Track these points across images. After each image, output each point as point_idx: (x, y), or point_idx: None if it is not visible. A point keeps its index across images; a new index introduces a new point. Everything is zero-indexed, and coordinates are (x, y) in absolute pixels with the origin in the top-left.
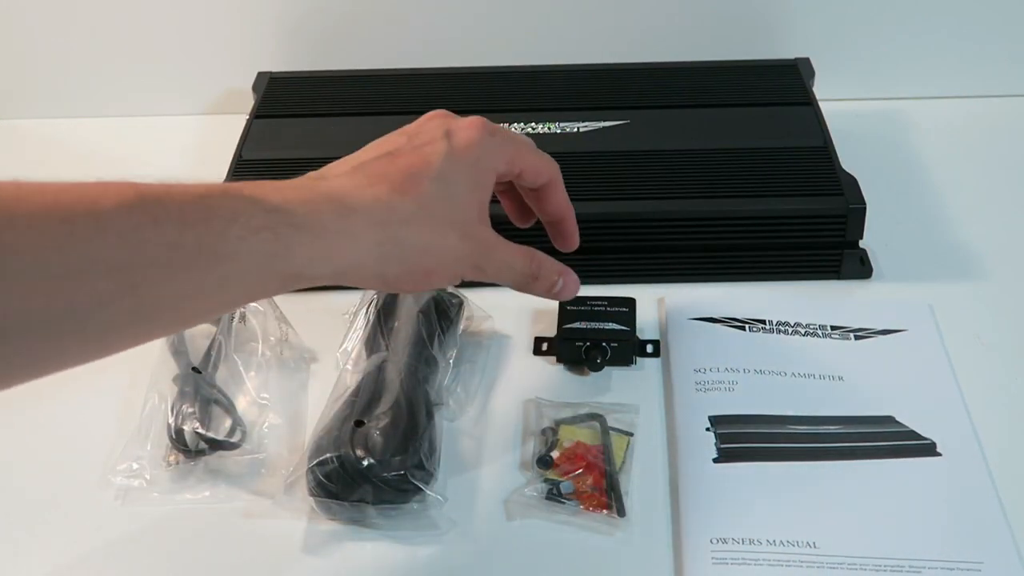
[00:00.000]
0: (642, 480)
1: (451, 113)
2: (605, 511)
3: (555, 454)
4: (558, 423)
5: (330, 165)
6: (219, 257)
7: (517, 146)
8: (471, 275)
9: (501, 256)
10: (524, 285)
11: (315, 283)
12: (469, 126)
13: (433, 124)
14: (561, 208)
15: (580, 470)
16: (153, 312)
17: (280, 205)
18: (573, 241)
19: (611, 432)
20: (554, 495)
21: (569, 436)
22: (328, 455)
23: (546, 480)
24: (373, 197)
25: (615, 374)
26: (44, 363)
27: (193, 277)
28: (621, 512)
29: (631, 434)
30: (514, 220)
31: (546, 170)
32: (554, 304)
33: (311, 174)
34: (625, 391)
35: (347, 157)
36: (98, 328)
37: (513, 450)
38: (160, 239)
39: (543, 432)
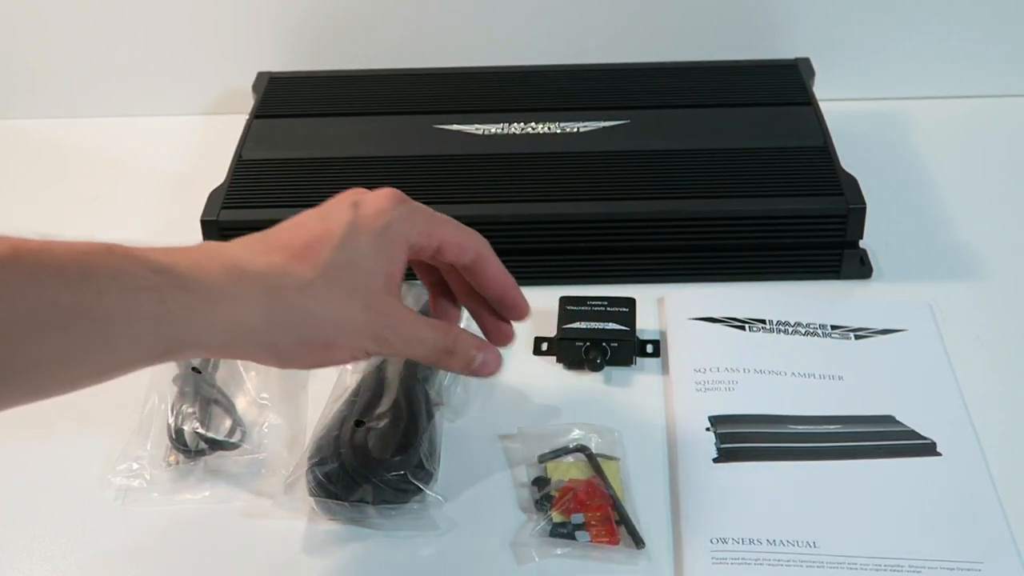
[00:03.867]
0: (642, 480)
1: (364, 189)
2: (621, 543)
3: (553, 495)
4: (542, 461)
5: (235, 240)
6: (98, 318)
7: (432, 217)
8: (376, 348)
9: (410, 329)
10: (438, 361)
11: (203, 352)
12: (378, 196)
13: (342, 196)
14: (499, 282)
15: (586, 511)
16: (29, 373)
17: (167, 265)
18: (522, 311)
19: (601, 462)
20: (561, 532)
21: (559, 475)
22: (328, 455)
23: (553, 523)
24: (268, 263)
25: (615, 374)
26: None
27: (71, 338)
28: (639, 543)
29: (617, 459)
30: (466, 307)
31: (470, 245)
32: (554, 304)
33: (213, 243)
34: (624, 392)
35: (255, 233)
36: None
37: (512, 451)
38: (35, 297)
39: (533, 482)
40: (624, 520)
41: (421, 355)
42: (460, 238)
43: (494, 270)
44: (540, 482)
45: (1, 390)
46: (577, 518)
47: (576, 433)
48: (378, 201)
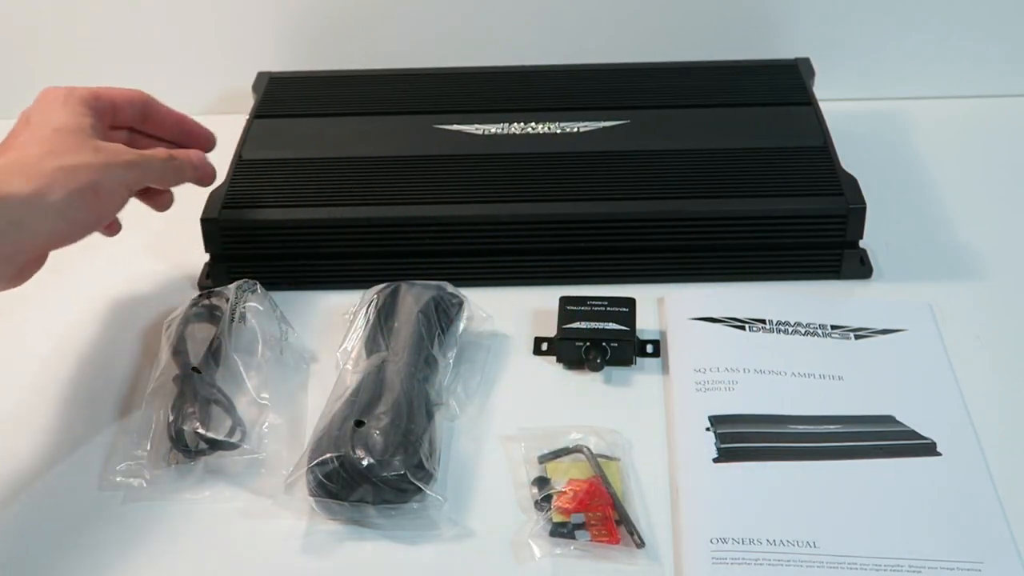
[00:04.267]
0: (642, 480)
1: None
2: (621, 542)
3: (553, 495)
4: (542, 461)
5: None
6: None
7: (94, 87)
8: (131, 178)
9: (133, 154)
10: (170, 173)
11: None
12: (37, 102)
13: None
14: (172, 117)
15: (586, 511)
16: None
17: None
18: (206, 135)
19: (601, 462)
20: (561, 532)
21: (560, 475)
22: (328, 455)
23: (553, 523)
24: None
25: (615, 374)
26: None
27: None
28: (639, 543)
29: (618, 459)
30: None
31: (136, 94)
32: (554, 304)
33: None
34: (624, 392)
35: None
36: None
37: (512, 451)
38: None
39: (533, 482)
40: (624, 520)
41: (158, 172)
42: (125, 91)
43: (164, 110)
44: (540, 482)
45: None
46: (577, 518)
47: (576, 434)
48: (40, 95)
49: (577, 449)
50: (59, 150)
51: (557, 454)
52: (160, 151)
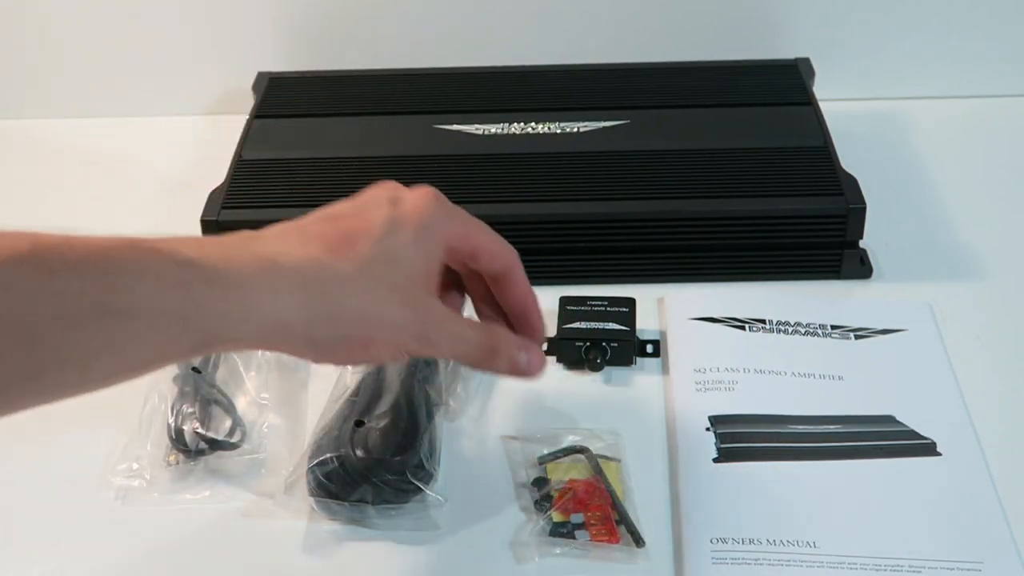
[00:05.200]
0: (642, 480)
1: (400, 184)
2: (621, 542)
3: (553, 495)
4: (542, 462)
5: (267, 228)
6: (125, 314)
7: (470, 222)
8: (417, 348)
9: (452, 327)
10: (482, 360)
11: (237, 346)
12: (418, 194)
13: (379, 191)
14: (522, 299)
15: (586, 511)
16: (53, 371)
17: (195, 259)
18: (538, 334)
19: (600, 461)
20: (561, 531)
21: (559, 475)
22: (328, 455)
23: (553, 523)
24: (304, 255)
25: (615, 374)
26: None
27: (97, 335)
28: (639, 542)
29: (618, 460)
30: (479, 310)
31: (503, 254)
32: (554, 304)
33: (244, 232)
34: (624, 392)
35: (287, 222)
36: None
37: (512, 452)
38: (58, 292)
39: (533, 483)
40: (624, 519)
41: (464, 353)
42: (494, 246)
43: (521, 286)
44: (540, 482)
45: (29, 387)
46: (577, 518)
47: (576, 436)
48: (418, 199)
49: (577, 450)
50: (377, 288)
51: (557, 455)
52: (484, 338)
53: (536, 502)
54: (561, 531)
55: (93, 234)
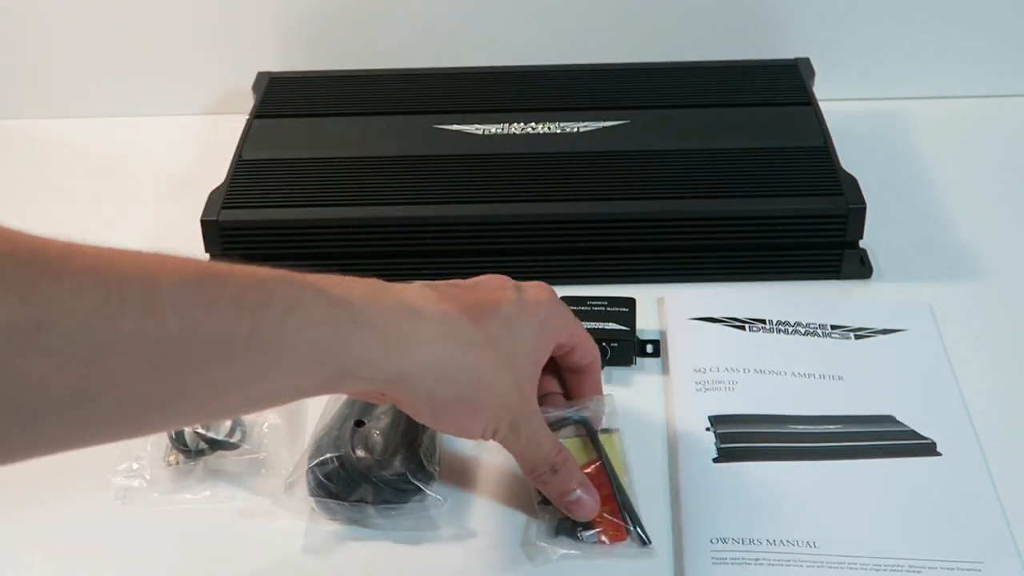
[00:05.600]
0: (642, 480)
1: (511, 279)
2: (627, 539)
3: None
4: None
5: (405, 284)
6: (272, 346)
7: (573, 318)
8: (504, 433)
9: (538, 426)
10: (541, 473)
11: (366, 386)
12: (539, 287)
13: (499, 278)
14: (594, 391)
15: None
16: (196, 396)
17: (345, 298)
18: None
19: (602, 436)
20: (566, 529)
21: None
22: (328, 455)
23: (559, 520)
24: (443, 312)
25: (615, 374)
26: (73, 439)
27: (242, 365)
28: (645, 540)
29: (616, 429)
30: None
31: (592, 349)
32: None
33: (380, 281)
34: (624, 392)
35: (419, 282)
36: (136, 407)
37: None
38: (215, 321)
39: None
40: (626, 507)
41: (531, 458)
42: (589, 342)
43: (596, 378)
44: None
45: (166, 413)
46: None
47: (571, 408)
48: (540, 292)
49: (578, 421)
50: (499, 362)
51: (554, 426)
52: (554, 454)
53: (539, 502)
54: (566, 529)
55: (245, 266)
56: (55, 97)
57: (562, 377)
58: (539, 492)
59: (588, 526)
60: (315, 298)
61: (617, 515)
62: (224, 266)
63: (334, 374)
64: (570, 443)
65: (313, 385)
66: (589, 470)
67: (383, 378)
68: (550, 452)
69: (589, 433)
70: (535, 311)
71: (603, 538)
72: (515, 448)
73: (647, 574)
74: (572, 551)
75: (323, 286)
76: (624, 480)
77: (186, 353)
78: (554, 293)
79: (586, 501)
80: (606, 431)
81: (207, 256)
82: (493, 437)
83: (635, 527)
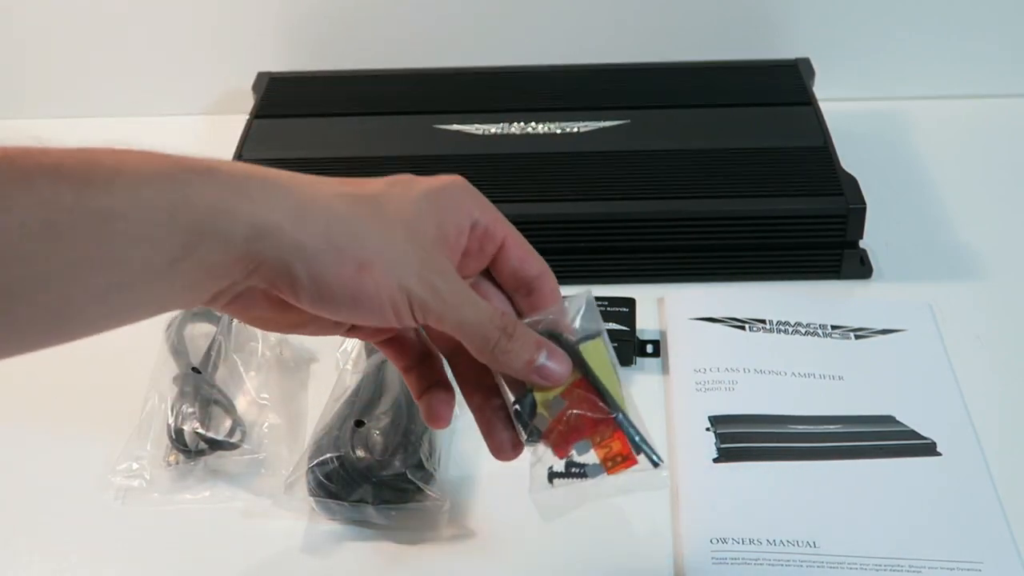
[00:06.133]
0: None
1: None
2: (636, 465)
3: (542, 421)
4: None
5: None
6: (105, 215)
7: (502, 217)
8: (421, 296)
9: (461, 285)
10: (494, 343)
11: (226, 250)
12: (446, 175)
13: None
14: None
15: (585, 437)
16: (33, 297)
17: (179, 156)
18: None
19: (580, 348)
20: (576, 472)
21: (544, 395)
22: (328, 455)
23: (552, 471)
24: (311, 179)
25: None
26: None
27: (75, 245)
28: (654, 460)
29: (598, 333)
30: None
31: (537, 260)
32: None
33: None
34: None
35: None
36: None
37: None
38: (32, 199)
39: (516, 402)
40: (626, 428)
41: (473, 324)
42: (527, 247)
43: (552, 294)
44: (523, 405)
45: (26, 315)
46: (582, 448)
47: (528, 320)
48: (447, 176)
49: (548, 334)
50: (382, 215)
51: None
52: (500, 316)
53: (527, 437)
54: (572, 471)
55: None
56: (55, 97)
57: (515, 305)
58: (523, 419)
59: (586, 456)
60: (146, 156)
61: (617, 437)
62: (36, 147)
63: (185, 236)
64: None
65: (167, 258)
66: (573, 394)
67: (241, 234)
68: (492, 312)
69: (562, 346)
70: (431, 180)
71: (609, 467)
72: (447, 316)
73: (647, 574)
74: (572, 493)
75: (150, 149)
76: (618, 395)
77: (5, 244)
78: (470, 185)
79: (551, 366)
80: (584, 339)
81: None
82: (413, 313)
83: (642, 448)
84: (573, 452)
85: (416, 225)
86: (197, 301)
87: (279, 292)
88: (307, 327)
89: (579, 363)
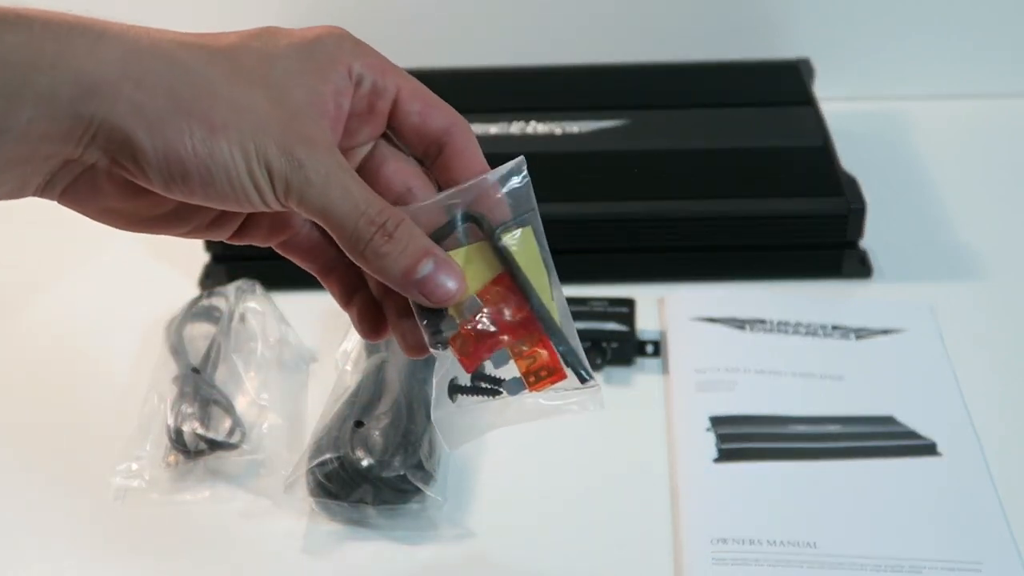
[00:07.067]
0: (642, 479)
1: None
2: (564, 380)
3: (451, 324)
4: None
5: None
6: None
7: (387, 59)
8: (280, 168)
9: (337, 166)
10: (361, 241)
11: (50, 115)
12: (323, 33)
13: None
14: (474, 171)
15: (504, 341)
16: None
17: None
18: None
19: (505, 236)
20: (488, 388)
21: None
22: (328, 455)
23: (457, 385)
24: (151, 29)
25: (615, 374)
26: None
27: None
28: (583, 376)
29: (531, 212)
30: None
31: (443, 108)
32: None
33: None
34: (624, 392)
35: None
36: None
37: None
38: None
39: (422, 315)
40: (552, 334)
41: (340, 213)
42: (429, 96)
43: (471, 156)
44: (431, 315)
45: None
46: (500, 359)
47: (443, 195)
48: (316, 27)
49: (461, 224)
50: (237, 70)
51: (440, 234)
52: (376, 205)
53: (436, 341)
54: (476, 388)
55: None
56: None
57: (432, 177)
58: (430, 326)
59: (504, 369)
60: None
61: (542, 346)
62: None
63: (33, 89)
64: (460, 255)
65: (23, 109)
66: (491, 292)
67: (66, 95)
68: (367, 200)
69: (486, 233)
70: (301, 32)
71: (532, 381)
72: (310, 198)
73: (647, 574)
74: (484, 413)
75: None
76: (548, 297)
77: None
78: (350, 33)
79: (439, 281)
80: (512, 225)
81: (208, 256)
82: (275, 189)
83: (569, 359)
84: (488, 363)
85: (281, 85)
86: (25, 189)
87: (123, 170)
88: (168, 222)
89: (502, 255)
